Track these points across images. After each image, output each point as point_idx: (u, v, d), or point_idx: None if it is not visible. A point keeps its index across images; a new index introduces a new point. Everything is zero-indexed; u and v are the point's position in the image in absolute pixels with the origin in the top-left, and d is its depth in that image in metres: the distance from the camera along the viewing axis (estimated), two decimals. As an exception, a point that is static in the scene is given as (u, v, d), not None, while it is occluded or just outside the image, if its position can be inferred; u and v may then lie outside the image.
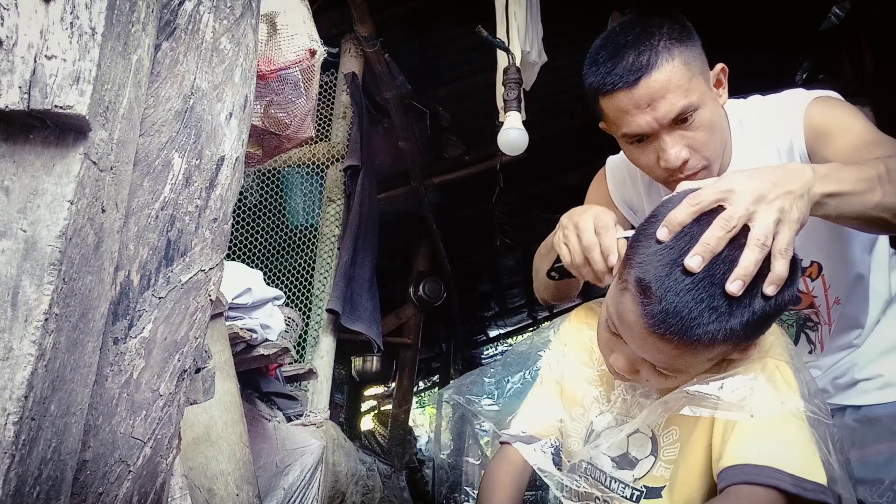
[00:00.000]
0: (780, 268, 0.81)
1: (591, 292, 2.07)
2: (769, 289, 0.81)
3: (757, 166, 0.95)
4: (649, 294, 0.82)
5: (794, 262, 0.85)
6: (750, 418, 0.87)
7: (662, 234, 0.84)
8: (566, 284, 1.22)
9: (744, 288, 0.79)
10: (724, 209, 0.83)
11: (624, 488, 0.98)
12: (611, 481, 1.00)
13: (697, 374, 0.91)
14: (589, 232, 1.01)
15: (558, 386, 1.10)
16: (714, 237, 0.81)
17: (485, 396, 1.10)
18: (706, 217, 0.83)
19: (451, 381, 1.26)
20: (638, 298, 0.83)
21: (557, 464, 1.05)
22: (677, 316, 0.80)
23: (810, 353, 1.28)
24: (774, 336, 0.95)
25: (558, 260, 1.10)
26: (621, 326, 0.88)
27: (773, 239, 0.82)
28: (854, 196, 0.92)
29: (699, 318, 0.80)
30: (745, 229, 0.82)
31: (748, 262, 0.80)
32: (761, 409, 0.87)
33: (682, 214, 0.84)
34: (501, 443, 1.09)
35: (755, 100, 1.25)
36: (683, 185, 0.92)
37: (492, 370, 1.14)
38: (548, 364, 1.11)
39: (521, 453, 1.05)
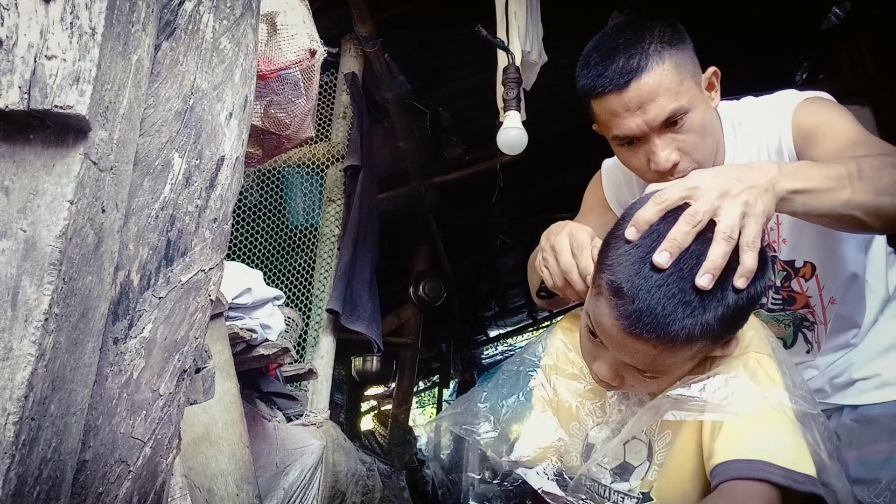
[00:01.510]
0: (748, 260, 0.81)
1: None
2: (739, 281, 0.81)
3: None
4: (621, 294, 0.82)
5: (764, 255, 0.86)
6: (736, 416, 0.87)
7: (630, 233, 0.84)
8: (557, 299, 1.23)
9: (713, 281, 0.80)
10: (690, 206, 0.83)
11: (624, 498, 0.98)
12: (611, 493, 1.00)
13: (682, 374, 0.91)
14: (566, 254, 1.00)
15: (552, 404, 1.09)
16: (680, 232, 0.81)
17: (482, 423, 1.08)
18: (672, 214, 0.84)
19: (443, 410, 1.24)
20: (611, 301, 0.83)
21: (562, 484, 1.04)
22: (651, 314, 0.80)
23: (807, 352, 1.28)
24: (755, 330, 0.96)
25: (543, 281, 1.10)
26: (600, 332, 0.88)
27: (741, 232, 0.82)
28: (821, 193, 0.92)
29: (673, 315, 0.80)
30: (712, 224, 0.82)
31: (716, 255, 0.80)
32: (746, 405, 0.87)
33: (648, 213, 0.84)
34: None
35: (748, 101, 1.26)
36: (651, 187, 0.93)
37: (484, 393, 1.12)
38: (540, 384, 1.10)
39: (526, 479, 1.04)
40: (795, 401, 0.87)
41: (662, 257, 0.80)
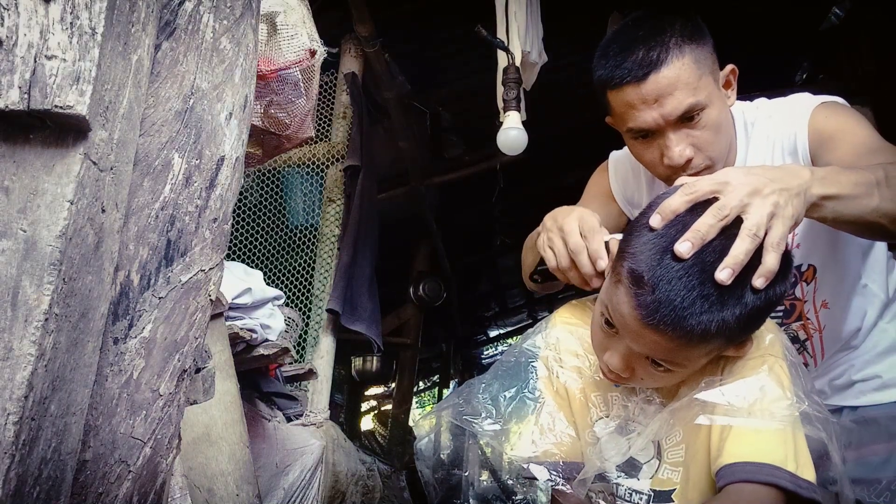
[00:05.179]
0: (770, 261, 0.80)
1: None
2: (758, 281, 0.80)
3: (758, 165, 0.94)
4: (642, 283, 0.81)
5: (788, 258, 0.85)
6: (758, 420, 0.86)
7: (655, 221, 0.84)
8: (551, 284, 1.21)
9: (733, 277, 0.79)
10: (719, 200, 0.83)
11: (631, 494, 0.98)
12: (617, 488, 0.99)
13: (693, 370, 0.90)
14: (575, 235, 0.99)
15: (559, 398, 1.07)
16: (705, 224, 0.80)
17: (483, 416, 1.06)
18: (700, 207, 0.83)
19: (442, 401, 1.21)
20: (631, 290, 0.82)
21: (567, 477, 1.03)
22: (670, 305, 0.79)
23: (805, 365, 1.28)
24: (773, 334, 0.95)
25: (541, 262, 1.08)
26: (616, 321, 0.87)
27: (767, 233, 0.81)
28: (851, 200, 0.92)
29: (692, 308, 0.79)
30: (739, 222, 0.81)
31: (738, 251, 0.79)
32: (773, 412, 0.86)
33: (675, 202, 0.84)
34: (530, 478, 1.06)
35: (761, 102, 1.25)
36: (682, 180, 0.92)
37: (483, 384, 1.10)
38: (546, 377, 1.08)
39: (534, 473, 1.03)
40: (814, 407, 0.87)
41: (684, 247, 0.79)
